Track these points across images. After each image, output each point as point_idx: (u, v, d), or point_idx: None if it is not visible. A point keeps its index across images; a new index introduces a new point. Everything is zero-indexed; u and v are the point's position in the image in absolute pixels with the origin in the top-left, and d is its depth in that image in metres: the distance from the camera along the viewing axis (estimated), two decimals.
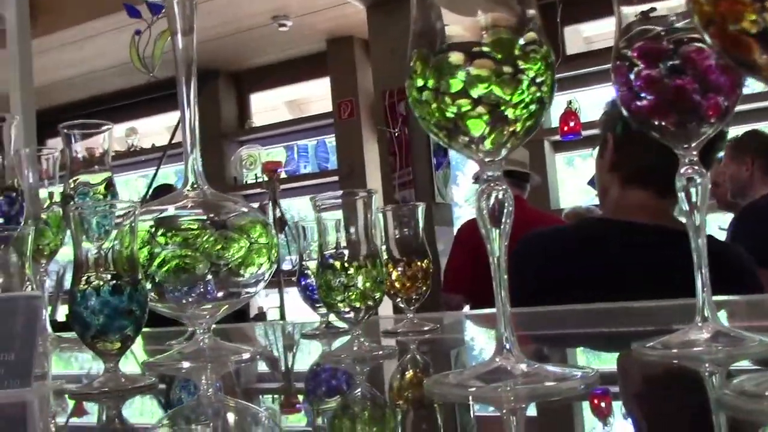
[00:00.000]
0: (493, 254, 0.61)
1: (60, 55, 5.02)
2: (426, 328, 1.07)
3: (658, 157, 1.40)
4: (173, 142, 5.82)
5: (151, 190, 5.96)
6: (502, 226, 0.59)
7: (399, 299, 1.07)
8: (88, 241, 0.74)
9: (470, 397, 0.56)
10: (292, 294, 4.14)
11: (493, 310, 0.59)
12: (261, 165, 5.74)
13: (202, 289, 0.92)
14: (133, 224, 0.76)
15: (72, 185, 1.30)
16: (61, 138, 1.35)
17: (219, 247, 0.93)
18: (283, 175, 5.67)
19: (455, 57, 0.57)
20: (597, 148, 1.60)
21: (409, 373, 0.79)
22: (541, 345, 0.95)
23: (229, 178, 5.72)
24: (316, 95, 6.03)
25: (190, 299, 0.92)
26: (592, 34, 5.29)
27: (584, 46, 4.96)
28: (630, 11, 0.69)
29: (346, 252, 0.84)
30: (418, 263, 1.07)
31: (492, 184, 0.60)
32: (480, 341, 1.17)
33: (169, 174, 6.69)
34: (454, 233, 4.59)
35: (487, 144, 0.58)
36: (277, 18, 4.84)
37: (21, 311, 0.78)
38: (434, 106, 0.58)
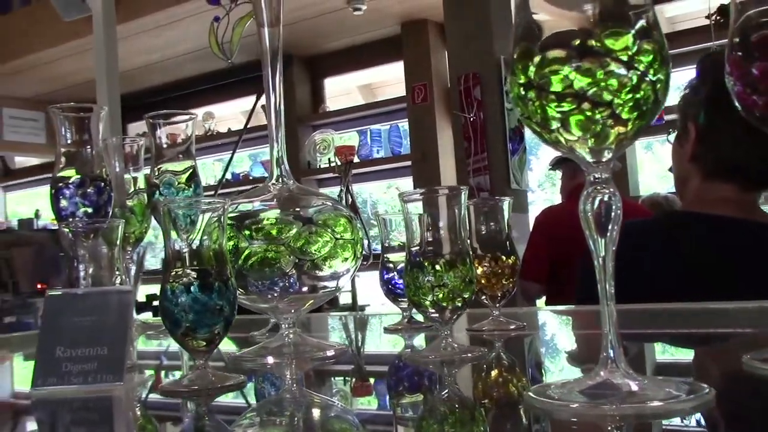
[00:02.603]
0: (597, 256, 0.57)
1: (140, 41, 5.14)
2: (512, 327, 1.04)
3: (744, 150, 1.32)
4: (248, 126, 5.91)
5: (226, 175, 6.07)
6: (608, 234, 0.56)
7: (484, 296, 1.05)
8: (177, 237, 0.74)
9: (574, 417, 0.53)
10: (363, 278, 4.15)
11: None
12: (334, 149, 5.77)
13: (286, 284, 0.91)
14: (222, 220, 0.76)
15: (156, 174, 1.32)
16: (145, 125, 1.37)
17: (303, 241, 0.92)
18: (356, 160, 5.69)
19: (560, 53, 0.54)
20: (673, 134, 1.51)
21: (503, 381, 0.76)
22: (638, 348, 0.91)
23: (303, 162, 5.77)
24: (389, 79, 6.02)
25: (275, 294, 0.91)
26: (675, 14, 5.10)
27: (667, 27, 4.78)
28: None
29: (434, 250, 0.82)
30: (504, 259, 1.04)
31: (598, 187, 0.56)
32: (568, 342, 1.13)
33: (243, 158, 6.80)
34: (529, 219, 4.52)
35: (594, 145, 0.55)
36: (351, 2, 4.83)
37: (113, 306, 0.79)
38: (538, 104, 0.55)
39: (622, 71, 0.53)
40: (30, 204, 7.68)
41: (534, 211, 4.71)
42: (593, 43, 0.53)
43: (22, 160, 7.65)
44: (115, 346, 0.77)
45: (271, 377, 0.86)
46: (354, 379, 0.88)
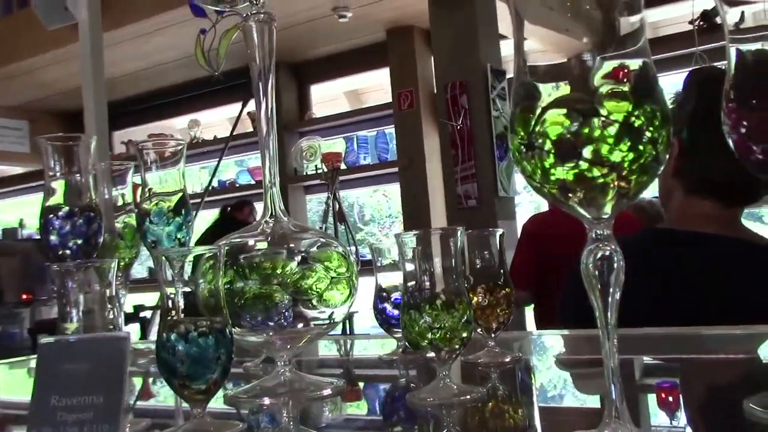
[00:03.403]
0: (599, 311, 0.57)
1: (126, 49, 5.11)
2: (507, 360, 1.04)
3: (726, 167, 1.31)
4: (234, 134, 5.89)
5: (213, 182, 6.03)
6: (610, 290, 0.56)
7: (479, 327, 1.04)
8: (172, 286, 0.73)
9: None
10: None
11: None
12: (321, 156, 5.76)
13: (282, 321, 0.91)
14: (217, 266, 0.75)
15: (147, 198, 1.31)
16: (128, 146, 1.36)
17: (298, 278, 0.91)
18: (342, 166, 5.69)
19: (559, 115, 0.54)
20: None
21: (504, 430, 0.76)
22: (632, 385, 0.91)
23: (289, 169, 5.76)
24: (375, 86, 6.02)
25: (270, 332, 0.91)
26: (658, 19, 5.13)
27: (651, 32, 4.81)
28: (746, 48, 0.64)
29: (431, 290, 0.82)
30: (499, 290, 1.04)
31: (600, 245, 0.56)
32: (566, 378, 1.13)
33: (230, 164, 6.78)
34: (517, 226, 4.54)
35: (595, 204, 0.55)
36: (337, 9, 4.82)
37: (108, 353, 0.78)
38: (537, 163, 0.55)
39: (621, 133, 0.53)
40: (14, 212, 7.62)
41: (520, 215, 4.72)
42: (592, 106, 0.53)
43: (5, 169, 7.58)
44: (111, 394, 0.75)
45: (271, 423, 0.85)
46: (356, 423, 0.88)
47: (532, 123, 0.55)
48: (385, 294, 1.15)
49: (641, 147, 0.53)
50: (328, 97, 6.25)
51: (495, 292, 1.04)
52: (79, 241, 1.20)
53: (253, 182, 6.21)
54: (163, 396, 1.18)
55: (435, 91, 5.11)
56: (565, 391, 0.99)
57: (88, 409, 0.75)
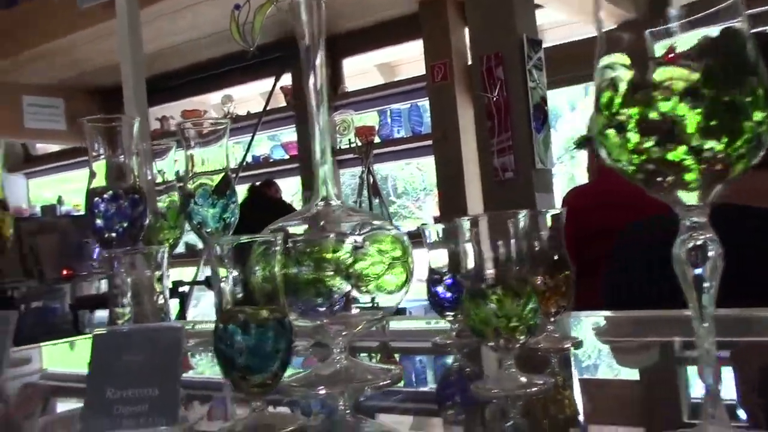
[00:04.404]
0: (695, 310, 0.53)
1: (161, 25, 5.09)
2: (567, 345, 1.00)
3: None
4: (267, 108, 5.87)
5: (246, 157, 6.03)
6: (706, 284, 0.52)
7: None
8: (228, 276, 0.71)
9: None
10: None
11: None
12: (354, 130, 5.72)
13: (337, 307, 0.88)
14: (273, 253, 0.72)
15: (192, 185, 1.29)
16: (178, 135, 1.34)
17: (353, 263, 0.88)
18: (376, 140, 5.64)
19: (649, 95, 0.49)
20: None
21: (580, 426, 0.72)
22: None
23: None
24: (408, 58, 5.94)
25: (324, 318, 0.88)
26: None
27: None
28: None
29: (496, 277, 0.78)
30: (558, 273, 1.00)
31: (693, 234, 0.52)
32: (628, 357, 1.09)
33: (263, 140, 6.77)
34: (555, 199, 4.47)
35: (694, 191, 0.50)
36: None
37: (163, 344, 0.76)
38: (630, 148, 0.50)
39: (719, 112, 0.48)
40: (52, 189, 7.72)
41: (556, 187, 4.64)
42: (687, 84, 0.49)
43: (42, 147, 7.67)
44: (167, 386, 0.74)
45: (329, 413, 0.82)
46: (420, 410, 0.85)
47: (619, 102, 0.51)
48: (437, 276, 1.11)
49: (741, 128, 0.49)
50: (360, 70, 6.19)
51: (554, 275, 1.00)
52: (125, 224, 1.18)
53: (287, 157, 6.19)
54: (201, 369, 1.17)
55: (469, 63, 5.02)
56: (627, 375, 0.95)
57: (143, 402, 0.73)
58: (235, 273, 0.71)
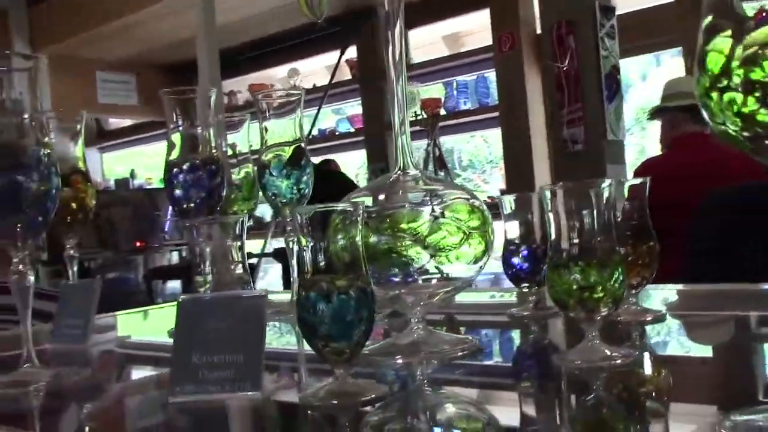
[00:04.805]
0: None
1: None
2: (649, 317, 0.98)
3: None
4: (333, 82, 5.88)
5: (312, 131, 6.06)
6: None
7: None
8: (310, 244, 0.71)
9: None
10: None
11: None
12: (420, 102, 5.67)
13: (414, 277, 0.88)
14: (356, 223, 0.72)
15: (266, 156, 1.30)
16: (255, 103, 1.34)
17: (433, 233, 0.88)
18: (442, 112, 5.59)
19: (757, 52, 0.47)
20: None
21: (677, 398, 0.70)
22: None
23: (388, 116, 5.70)
24: (475, 28, 5.84)
25: (402, 288, 0.88)
26: None
27: None
28: None
29: (581, 247, 0.76)
30: (642, 244, 0.97)
31: None
32: (717, 333, 1.05)
33: (328, 113, 6.80)
34: (626, 171, 4.35)
35: None
36: None
37: (247, 311, 0.77)
38: (732, 109, 0.48)
39: None
40: (125, 163, 7.94)
41: (627, 160, 4.51)
42: None
43: (115, 121, 7.88)
44: (251, 352, 0.75)
45: (409, 383, 0.82)
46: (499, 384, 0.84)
47: (725, 62, 0.48)
48: (513, 247, 1.10)
49: None
50: (426, 41, 6.13)
51: (637, 246, 0.97)
52: (203, 194, 1.20)
53: (352, 130, 6.20)
54: (278, 338, 1.19)
55: (537, 32, 4.91)
56: (712, 351, 0.92)
57: (229, 367, 0.74)
58: (316, 242, 0.71)
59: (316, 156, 5.73)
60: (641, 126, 7.12)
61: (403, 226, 0.87)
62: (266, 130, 1.32)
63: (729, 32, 0.48)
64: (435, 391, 0.78)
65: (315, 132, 6.24)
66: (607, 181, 0.78)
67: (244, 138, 1.53)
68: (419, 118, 5.52)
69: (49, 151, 0.88)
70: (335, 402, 0.69)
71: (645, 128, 6.79)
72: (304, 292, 0.70)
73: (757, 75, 0.47)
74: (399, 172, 0.92)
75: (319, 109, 5.79)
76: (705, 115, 0.51)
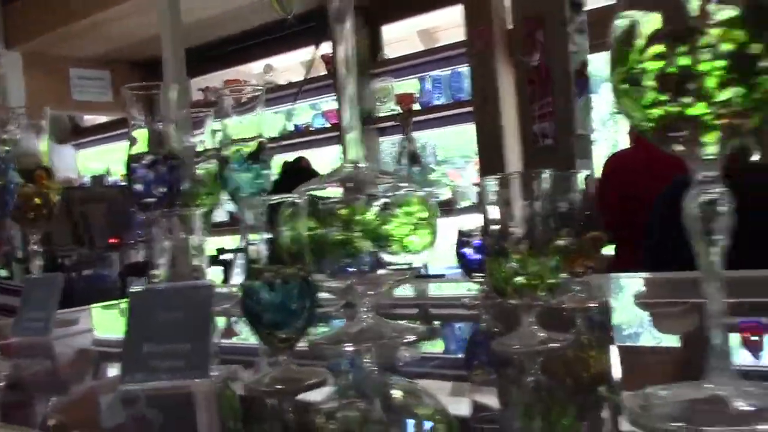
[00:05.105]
0: (705, 259, 0.53)
1: None
2: (593, 304, 1.01)
3: None
4: (308, 77, 5.88)
5: (288, 126, 6.06)
6: (714, 237, 0.52)
7: (563, 273, 1.01)
8: (257, 234, 0.73)
9: None
10: None
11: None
12: (394, 97, 5.70)
13: (364, 268, 0.90)
14: (299, 214, 0.74)
15: (228, 152, 1.31)
16: (216, 100, 1.36)
17: (379, 224, 0.90)
18: (416, 107, 5.62)
19: (662, 48, 0.50)
20: None
21: (593, 379, 0.73)
22: None
23: (362, 111, 5.73)
24: (448, 23, 5.88)
25: (352, 279, 0.90)
26: None
27: None
28: None
29: (516, 236, 0.79)
30: (584, 234, 1.01)
31: (705, 188, 0.52)
32: (650, 318, 1.09)
33: (305, 108, 6.80)
34: (594, 165, 4.41)
35: (704, 145, 0.51)
36: None
37: (195, 301, 0.79)
38: (639, 101, 0.51)
39: (732, 65, 0.48)
40: (100, 160, 7.88)
41: (597, 153, 4.57)
42: (698, 36, 0.49)
43: (90, 118, 7.83)
44: (198, 341, 0.77)
45: (356, 370, 0.85)
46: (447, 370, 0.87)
47: (633, 57, 0.51)
48: (465, 239, 1.13)
49: (756, 80, 0.49)
50: (400, 37, 6.15)
51: (581, 235, 1.01)
52: (163, 189, 1.22)
53: (328, 125, 6.21)
54: (246, 335, 1.21)
55: (509, 28, 4.95)
56: (654, 336, 0.96)
57: (178, 356, 0.77)
58: (264, 234, 0.73)
59: (292, 152, 5.75)
60: (614, 120, 7.20)
61: (352, 217, 0.90)
62: (228, 125, 1.35)
63: (641, 25, 0.51)
64: (381, 375, 0.80)
65: (291, 127, 6.25)
66: (546, 172, 0.81)
67: (209, 134, 1.55)
68: (393, 112, 5.58)
69: (7, 148, 0.90)
70: (279, 387, 0.71)
71: (617, 122, 6.87)
72: (249, 280, 0.72)
73: (665, 67, 0.50)
74: (349, 165, 0.94)
75: (293, 105, 5.80)
76: (620, 111, 0.54)
